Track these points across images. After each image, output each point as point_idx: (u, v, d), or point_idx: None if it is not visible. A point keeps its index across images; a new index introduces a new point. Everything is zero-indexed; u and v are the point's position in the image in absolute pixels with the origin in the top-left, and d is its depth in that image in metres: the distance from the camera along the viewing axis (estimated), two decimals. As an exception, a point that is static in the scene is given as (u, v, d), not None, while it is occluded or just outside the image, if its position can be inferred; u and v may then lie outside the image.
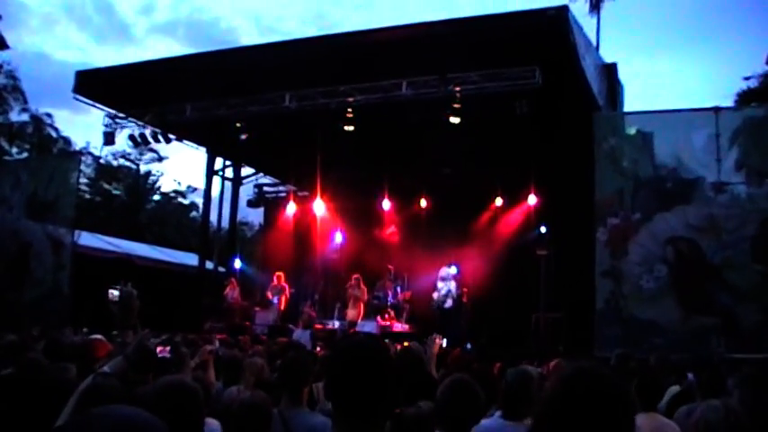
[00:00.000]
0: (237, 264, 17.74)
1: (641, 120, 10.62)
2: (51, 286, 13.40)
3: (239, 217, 20.20)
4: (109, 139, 14.37)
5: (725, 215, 9.33)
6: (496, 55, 10.78)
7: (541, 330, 12.62)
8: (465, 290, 14.09)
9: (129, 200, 33.77)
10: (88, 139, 32.42)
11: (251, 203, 19.16)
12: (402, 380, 3.46)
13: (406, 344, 7.12)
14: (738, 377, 3.38)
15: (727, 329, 8.99)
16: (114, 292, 7.65)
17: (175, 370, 3.64)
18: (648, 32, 70.53)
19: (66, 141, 30.46)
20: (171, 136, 14.82)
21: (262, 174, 18.86)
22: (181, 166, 53.84)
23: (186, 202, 36.05)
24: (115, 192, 33.83)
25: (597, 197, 9.92)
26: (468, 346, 11.43)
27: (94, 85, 13.63)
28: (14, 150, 27.87)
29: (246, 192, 18.96)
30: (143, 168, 34.18)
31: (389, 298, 14.58)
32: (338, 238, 16.78)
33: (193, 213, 34.65)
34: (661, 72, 71.15)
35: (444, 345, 7.72)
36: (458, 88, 11.36)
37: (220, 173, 17.99)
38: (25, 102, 28.48)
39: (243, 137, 13.80)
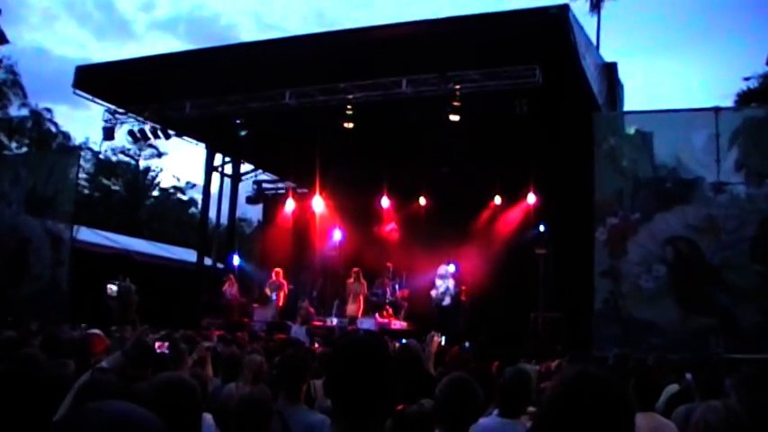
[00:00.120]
0: (236, 260, 17.69)
1: (641, 119, 10.59)
2: (50, 282, 13.37)
3: (238, 213, 20.16)
4: (108, 134, 14.37)
5: (724, 215, 9.31)
6: (497, 53, 10.76)
7: (540, 329, 12.60)
8: (463, 288, 14.09)
9: (128, 195, 33.78)
10: (88, 135, 32.62)
11: (250, 200, 19.18)
12: (400, 377, 3.46)
13: (404, 341, 7.11)
14: (736, 377, 3.37)
15: (726, 330, 8.98)
16: (113, 288, 7.65)
17: (174, 366, 3.64)
18: (648, 32, 70.64)
19: (66, 136, 30.53)
20: (170, 132, 14.78)
21: (261, 170, 18.86)
22: (180, 163, 53.45)
23: (185, 198, 36.12)
24: (114, 187, 33.85)
25: (596, 197, 9.90)
26: (467, 344, 11.41)
27: (94, 80, 13.60)
28: (14, 145, 27.85)
29: (245, 188, 19.01)
30: (142, 164, 34.26)
31: (388, 295, 14.58)
32: (337, 235, 16.77)
33: (192, 209, 34.67)
34: (661, 72, 71.14)
35: (443, 343, 7.71)
36: (458, 86, 11.35)
37: (220, 169, 17.96)
38: (25, 97, 28.52)
39: (243, 133, 13.79)
